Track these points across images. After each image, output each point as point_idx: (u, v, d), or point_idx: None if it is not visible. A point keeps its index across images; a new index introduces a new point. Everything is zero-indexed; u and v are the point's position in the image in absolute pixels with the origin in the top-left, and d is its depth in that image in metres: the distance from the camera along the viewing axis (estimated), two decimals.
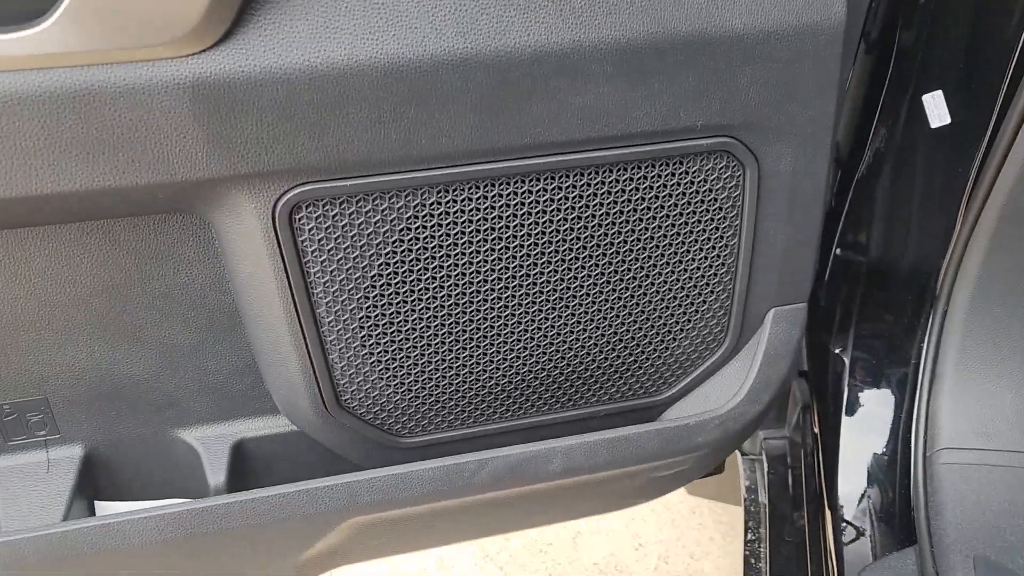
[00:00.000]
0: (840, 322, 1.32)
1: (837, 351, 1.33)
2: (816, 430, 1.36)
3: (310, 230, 0.81)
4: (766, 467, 1.50)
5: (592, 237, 0.89)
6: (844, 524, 1.25)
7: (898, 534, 1.19)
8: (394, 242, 0.84)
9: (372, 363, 0.93)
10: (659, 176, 0.87)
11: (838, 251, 1.29)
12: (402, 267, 0.86)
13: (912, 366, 1.23)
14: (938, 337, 1.19)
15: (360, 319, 0.89)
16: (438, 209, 0.83)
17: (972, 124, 1.07)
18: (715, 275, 0.96)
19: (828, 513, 1.26)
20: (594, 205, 0.87)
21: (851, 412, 1.29)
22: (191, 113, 0.72)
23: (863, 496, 1.25)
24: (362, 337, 0.90)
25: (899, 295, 1.23)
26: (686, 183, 0.88)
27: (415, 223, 0.84)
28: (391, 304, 0.89)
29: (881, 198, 1.22)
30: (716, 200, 0.90)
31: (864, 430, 1.27)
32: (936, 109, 1.12)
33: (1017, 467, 1.12)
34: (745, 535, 1.44)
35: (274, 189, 0.78)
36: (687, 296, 0.97)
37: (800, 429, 1.47)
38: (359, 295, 0.87)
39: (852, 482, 1.26)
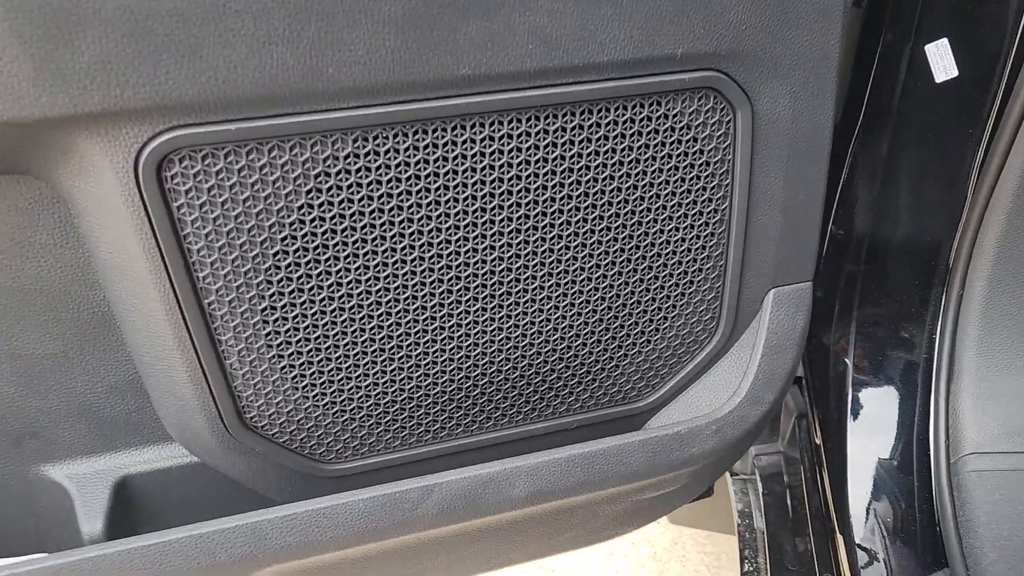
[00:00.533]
0: (839, 315, 1.16)
1: (837, 349, 1.16)
2: (818, 441, 1.19)
3: (187, 192, 0.63)
4: (760, 487, 1.32)
5: (552, 200, 0.72)
6: (857, 548, 1.08)
7: (922, 557, 1.03)
8: (300, 208, 0.66)
9: (283, 368, 0.74)
10: (632, 121, 0.70)
11: (833, 230, 1.14)
12: (313, 241, 0.68)
13: (925, 361, 1.08)
14: (954, 325, 1.04)
15: (263, 311, 0.70)
16: (355, 163, 0.65)
17: (982, 76, 0.93)
18: (703, 248, 0.79)
19: (839, 537, 1.09)
20: (553, 159, 0.70)
21: (857, 418, 1.13)
22: (6, 24, 0.53)
23: (878, 514, 1.08)
24: (267, 335, 0.71)
25: (906, 279, 1.08)
26: (665, 130, 0.71)
27: (326, 182, 0.65)
28: (303, 291, 0.70)
29: (881, 166, 1.07)
30: (702, 152, 0.74)
31: (874, 438, 1.11)
32: (941, 60, 0.98)
33: None
34: (741, 566, 1.27)
35: (134, 136, 0.59)
36: (670, 276, 0.79)
37: (795, 442, 1.30)
38: (259, 279, 0.68)
39: (863, 498, 1.10)
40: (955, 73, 0.96)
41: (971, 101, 0.95)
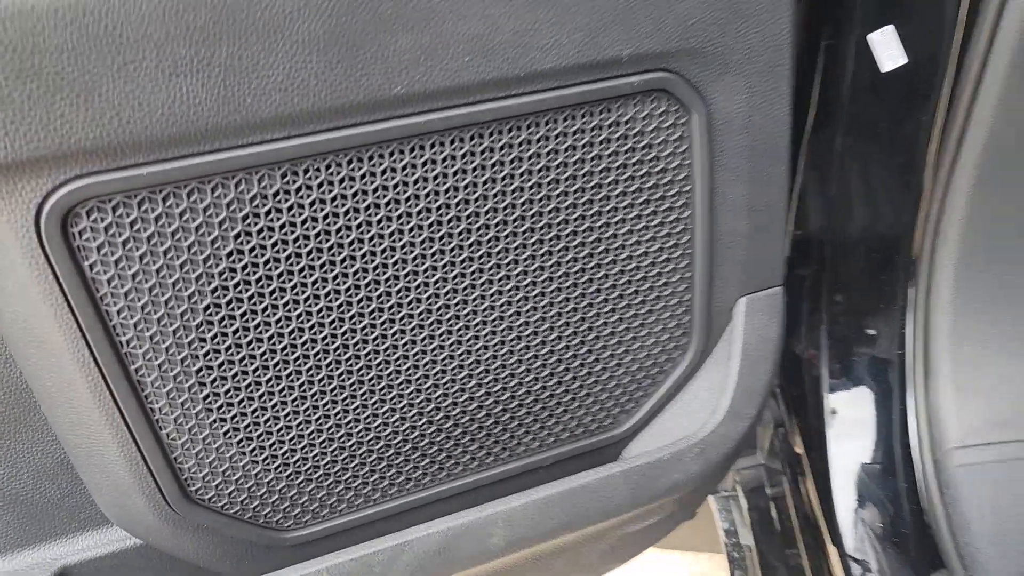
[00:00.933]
0: (807, 319, 1.12)
1: (809, 354, 1.13)
2: (799, 450, 1.15)
3: (99, 248, 0.56)
4: (744, 503, 1.28)
5: (504, 223, 0.67)
6: (851, 558, 1.04)
7: (917, 560, 1.00)
8: (229, 255, 0.60)
9: (227, 433, 0.67)
10: (581, 131, 0.66)
11: (791, 231, 1.10)
12: (248, 291, 0.61)
13: (899, 357, 1.05)
14: (924, 318, 1.01)
15: (199, 372, 0.63)
16: (286, 200, 0.59)
17: (930, 61, 0.91)
18: (667, 260, 0.74)
19: (830, 548, 1.05)
20: (502, 178, 0.65)
21: (836, 423, 1.09)
22: None
23: (867, 520, 1.04)
24: (206, 398, 0.65)
25: (872, 276, 1.05)
26: (617, 138, 0.67)
27: (256, 224, 0.59)
28: (241, 346, 0.63)
29: (836, 162, 1.04)
30: (658, 158, 0.69)
31: (855, 442, 1.08)
32: (887, 48, 0.95)
33: None
34: None
35: (32, 190, 0.53)
36: (635, 292, 0.75)
37: (775, 453, 1.26)
38: (190, 338, 0.62)
39: (851, 505, 1.06)
40: (903, 60, 0.93)
41: (920, 88, 0.93)
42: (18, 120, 0.50)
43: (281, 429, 0.68)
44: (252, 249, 0.60)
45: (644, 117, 0.67)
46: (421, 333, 0.69)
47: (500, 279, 0.69)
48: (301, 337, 0.65)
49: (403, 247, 0.64)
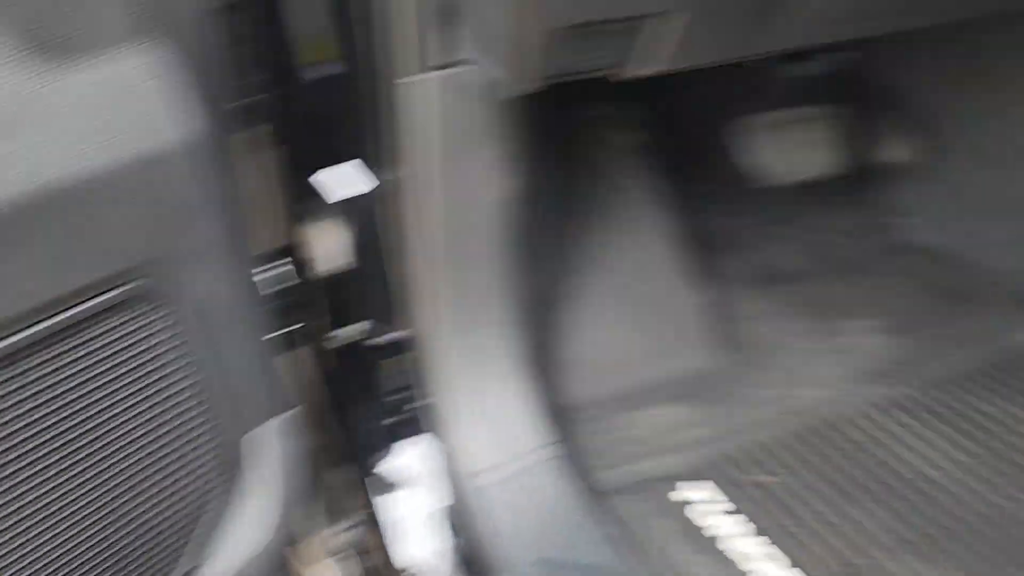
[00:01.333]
0: (364, 406, 1.36)
1: (368, 427, 1.36)
2: (372, 507, 1.37)
3: None
4: (355, 561, 1.48)
5: (23, 439, 0.77)
6: None
7: (478, 573, 1.22)
8: None
9: None
10: (75, 348, 0.77)
11: (336, 334, 1.33)
12: None
13: (423, 413, 1.27)
14: (431, 382, 1.24)
15: None
16: None
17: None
18: (182, 423, 0.87)
19: None
20: (6, 408, 0.75)
21: (394, 479, 1.33)
22: None
23: (435, 552, 1.28)
24: None
25: (389, 355, 1.31)
26: (109, 343, 0.79)
27: None
28: None
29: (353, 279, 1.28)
30: (151, 347, 0.83)
31: (412, 490, 1.32)
32: (333, 183, 1.20)
33: (531, 465, 1.21)
34: None
35: None
36: (162, 456, 0.88)
37: (363, 513, 1.48)
38: None
39: (422, 541, 1.29)
40: (353, 192, 1.18)
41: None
42: None
43: None
44: None
45: (129, 320, 0.80)
46: None
47: (27, 481, 0.78)
48: None
49: None
